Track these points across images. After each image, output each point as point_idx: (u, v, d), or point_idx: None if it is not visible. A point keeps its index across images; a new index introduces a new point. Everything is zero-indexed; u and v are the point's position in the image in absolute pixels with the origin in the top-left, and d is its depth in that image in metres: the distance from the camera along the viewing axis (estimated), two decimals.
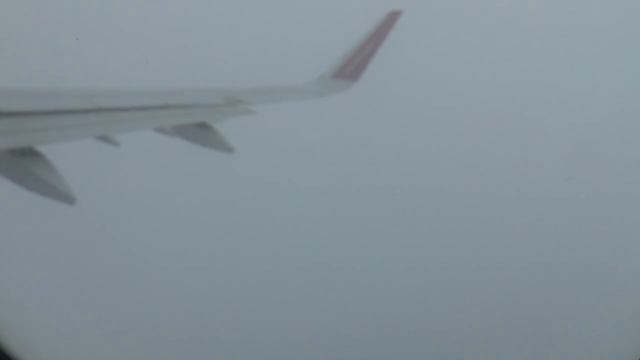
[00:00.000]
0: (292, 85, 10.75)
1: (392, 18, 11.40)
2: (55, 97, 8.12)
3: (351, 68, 11.61)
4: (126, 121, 7.95)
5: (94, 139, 7.57)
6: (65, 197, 7.02)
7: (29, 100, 7.69)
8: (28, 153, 6.67)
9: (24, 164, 6.85)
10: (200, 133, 9.10)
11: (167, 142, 9.05)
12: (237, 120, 9.73)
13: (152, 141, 9.12)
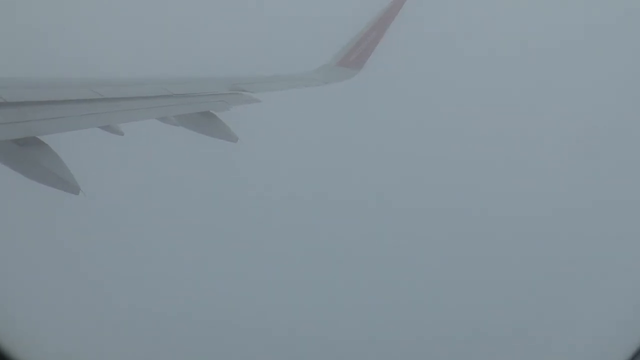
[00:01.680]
0: (296, 74, 10.80)
1: (396, 5, 11.44)
2: (58, 87, 8.05)
3: (355, 56, 11.72)
4: (130, 111, 7.91)
5: (98, 128, 7.50)
6: (70, 187, 7.02)
7: (33, 91, 7.63)
8: (33, 143, 6.65)
9: (29, 154, 6.84)
10: (205, 122, 9.07)
11: (171, 132, 8.98)
12: (242, 109, 9.71)
13: (156, 131, 9.06)
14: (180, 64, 19.50)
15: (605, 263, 19.67)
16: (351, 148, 23.00)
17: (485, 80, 24.49)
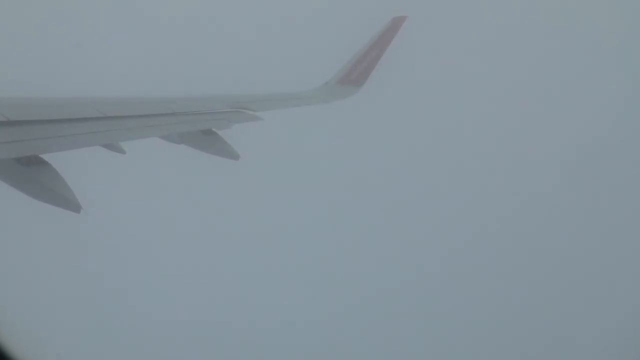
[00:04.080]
0: (297, 92, 10.88)
1: (396, 24, 11.60)
2: (61, 105, 8.08)
3: (356, 74, 11.84)
4: (132, 129, 7.92)
5: (101, 147, 7.50)
6: (72, 206, 7.00)
7: (35, 109, 7.63)
8: (34, 162, 6.65)
9: (31, 173, 6.83)
10: (207, 140, 9.08)
11: (173, 150, 8.99)
12: (244, 128, 9.75)
13: (159, 149, 9.07)
14: (183, 83, 19.59)
15: (612, 268, 19.64)
16: (354, 164, 23.00)
17: (487, 95, 24.56)
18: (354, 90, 15.66)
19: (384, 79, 16.08)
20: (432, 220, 21.64)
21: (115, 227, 17.63)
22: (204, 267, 18.70)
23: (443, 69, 24.41)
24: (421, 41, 19.94)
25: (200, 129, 10.26)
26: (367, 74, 15.77)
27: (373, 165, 22.75)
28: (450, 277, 20.07)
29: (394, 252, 20.53)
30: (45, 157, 7.53)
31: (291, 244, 19.92)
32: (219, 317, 17.60)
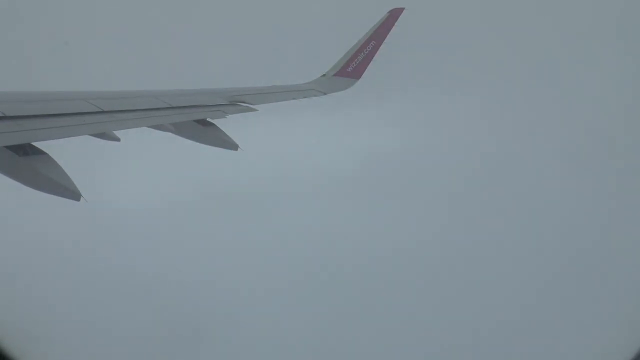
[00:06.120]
0: (294, 85, 10.87)
1: (393, 16, 11.58)
2: (57, 100, 8.08)
3: (353, 66, 11.82)
4: (127, 121, 7.92)
5: (97, 137, 7.49)
6: (72, 194, 7.03)
7: (31, 104, 7.64)
8: (32, 152, 6.66)
9: (29, 164, 6.84)
10: (205, 132, 9.07)
11: (170, 141, 8.92)
12: (241, 120, 9.67)
13: (155, 141, 8.99)
14: (179, 78, 19.54)
15: (607, 264, 19.60)
16: (351, 157, 22.97)
17: (485, 87, 24.50)
18: (351, 83, 15.67)
19: (382, 71, 16.06)
20: (430, 215, 21.54)
21: (116, 215, 17.49)
22: (200, 254, 18.60)
23: (440, 61, 24.32)
24: (419, 33, 19.89)
25: (195, 118, 10.23)
26: (365, 66, 15.77)
27: (370, 157, 22.69)
28: (450, 275, 19.99)
29: (394, 242, 20.48)
30: (43, 148, 7.55)
31: (290, 238, 19.87)
32: (218, 309, 17.54)
